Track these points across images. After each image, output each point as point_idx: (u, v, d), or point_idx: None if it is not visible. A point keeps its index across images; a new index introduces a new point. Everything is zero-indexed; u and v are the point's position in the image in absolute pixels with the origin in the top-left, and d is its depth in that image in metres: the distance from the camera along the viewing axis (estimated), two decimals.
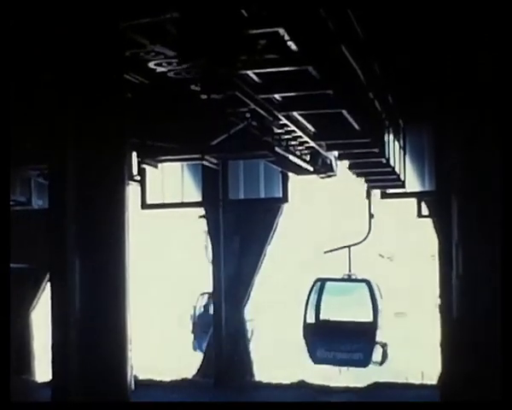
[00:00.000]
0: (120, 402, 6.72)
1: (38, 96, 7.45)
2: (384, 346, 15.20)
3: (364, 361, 15.10)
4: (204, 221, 17.61)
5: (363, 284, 15.06)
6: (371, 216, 15.87)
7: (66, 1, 6.45)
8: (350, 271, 15.56)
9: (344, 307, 15.67)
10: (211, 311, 18.81)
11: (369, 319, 14.92)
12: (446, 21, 7.63)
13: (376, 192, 16.24)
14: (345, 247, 15.83)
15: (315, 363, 15.52)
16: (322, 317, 15.34)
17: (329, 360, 15.30)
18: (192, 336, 20.14)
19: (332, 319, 15.27)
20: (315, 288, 15.35)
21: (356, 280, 15.40)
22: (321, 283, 15.40)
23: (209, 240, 17.57)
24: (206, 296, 20.13)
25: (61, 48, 6.53)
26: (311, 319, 15.38)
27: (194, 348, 19.81)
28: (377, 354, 15.14)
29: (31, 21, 6.76)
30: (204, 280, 18.51)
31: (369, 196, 15.82)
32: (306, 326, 15.36)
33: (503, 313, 6.92)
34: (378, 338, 15.06)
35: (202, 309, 20.34)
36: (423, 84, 12.74)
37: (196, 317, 20.33)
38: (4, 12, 6.38)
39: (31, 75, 7.77)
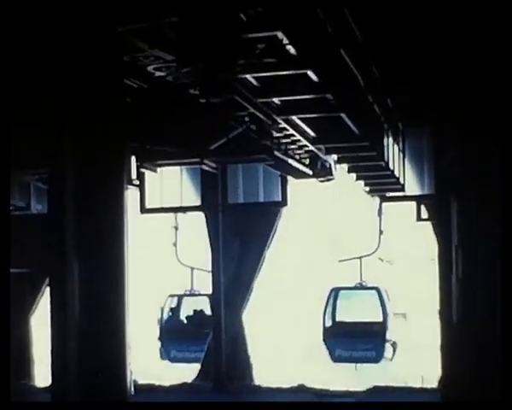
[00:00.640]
0: (120, 402, 6.72)
1: (37, 99, 7.44)
2: (394, 344, 16.76)
3: (377, 358, 16.67)
4: (173, 217, 17.80)
5: (374, 291, 16.59)
6: (381, 232, 16.80)
7: (65, 4, 6.44)
8: (361, 279, 16.86)
9: (357, 311, 17.26)
10: (180, 315, 17.82)
11: (379, 319, 16.49)
12: (445, 23, 7.62)
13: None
14: (356, 258, 17.02)
15: (334, 362, 16.95)
16: (338, 319, 16.96)
17: (347, 358, 16.84)
18: (159, 343, 17.73)
19: (347, 320, 16.99)
20: (331, 296, 16.88)
21: (367, 288, 16.89)
22: (336, 291, 16.94)
23: (178, 238, 18.04)
24: (175, 299, 18.07)
25: (59, 51, 6.53)
26: (328, 323, 16.84)
27: (162, 357, 17.78)
28: (388, 352, 16.73)
29: (31, 22, 6.74)
30: (181, 280, 18.24)
31: (380, 213, 16.61)
32: (325, 330, 16.80)
33: (503, 315, 6.91)
34: (388, 337, 16.69)
35: (170, 313, 17.95)
36: (422, 87, 12.72)
37: (163, 321, 17.78)
38: (4, 12, 6.37)
39: (30, 78, 7.76)
